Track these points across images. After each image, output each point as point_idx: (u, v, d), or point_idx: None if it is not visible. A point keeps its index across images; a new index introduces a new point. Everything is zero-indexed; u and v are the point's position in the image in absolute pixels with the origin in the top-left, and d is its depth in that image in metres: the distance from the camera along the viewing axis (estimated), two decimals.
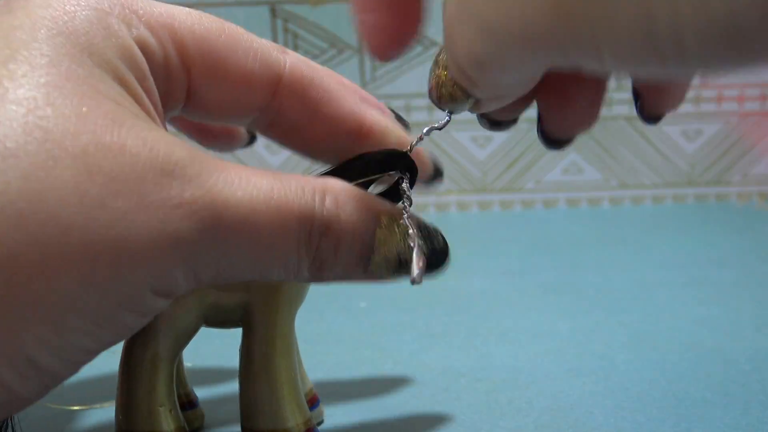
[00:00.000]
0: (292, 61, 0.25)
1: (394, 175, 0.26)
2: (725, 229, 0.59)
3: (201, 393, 0.32)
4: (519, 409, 0.31)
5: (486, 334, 0.39)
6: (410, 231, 0.24)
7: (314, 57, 0.66)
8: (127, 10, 0.22)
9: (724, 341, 0.37)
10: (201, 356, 0.37)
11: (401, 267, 0.24)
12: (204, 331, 0.28)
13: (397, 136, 0.27)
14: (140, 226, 0.20)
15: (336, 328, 0.41)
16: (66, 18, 0.21)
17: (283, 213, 0.22)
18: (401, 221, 0.24)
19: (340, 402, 0.32)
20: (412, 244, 0.23)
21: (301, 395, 0.28)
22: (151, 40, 0.23)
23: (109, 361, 0.35)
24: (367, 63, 0.67)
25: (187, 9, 0.24)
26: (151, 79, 0.23)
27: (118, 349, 0.28)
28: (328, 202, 0.23)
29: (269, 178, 0.22)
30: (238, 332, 0.28)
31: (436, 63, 0.23)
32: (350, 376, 0.35)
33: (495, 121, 0.26)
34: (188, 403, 0.30)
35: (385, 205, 0.24)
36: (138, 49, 0.22)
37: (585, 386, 0.33)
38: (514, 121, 0.26)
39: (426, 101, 0.67)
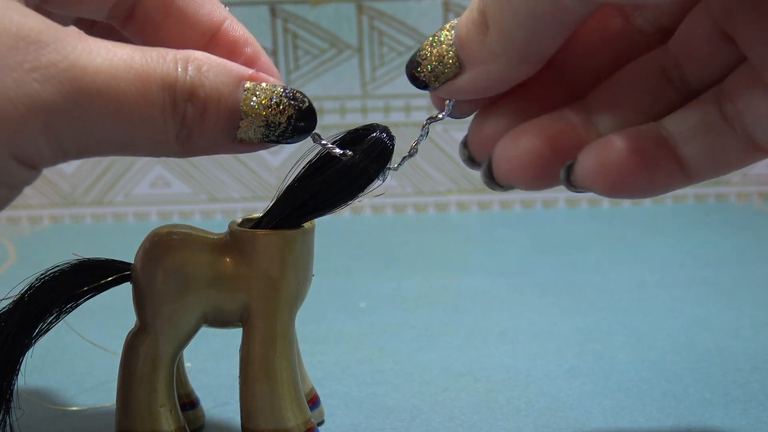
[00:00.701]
0: None
1: (375, 134, 0.26)
2: (725, 229, 0.59)
3: (201, 393, 0.32)
4: (518, 408, 0.31)
5: (486, 334, 0.39)
6: (277, 93, 0.24)
7: (314, 57, 0.66)
8: None
9: (724, 341, 0.37)
10: (201, 356, 0.37)
11: (269, 129, 0.24)
12: (204, 331, 0.28)
13: (254, 48, 0.27)
14: None
15: (336, 328, 0.41)
16: None
17: (144, 79, 0.22)
18: (266, 85, 0.24)
19: (340, 402, 0.32)
20: (281, 106, 0.24)
21: (301, 395, 0.28)
22: None
23: (109, 361, 0.35)
24: (367, 63, 0.67)
25: None
26: None
27: (118, 349, 0.28)
28: (191, 69, 0.23)
29: (129, 48, 0.23)
30: (238, 332, 0.28)
31: (436, 35, 0.24)
32: (350, 376, 0.35)
33: (471, 158, 0.26)
34: (189, 403, 0.30)
35: (248, 70, 0.24)
36: None
37: (584, 386, 0.33)
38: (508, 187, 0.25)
39: (426, 102, 0.67)
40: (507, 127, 0.25)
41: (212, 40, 0.27)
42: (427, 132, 0.27)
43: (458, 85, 0.24)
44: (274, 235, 0.27)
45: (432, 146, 0.68)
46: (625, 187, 0.23)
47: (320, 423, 0.31)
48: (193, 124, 0.23)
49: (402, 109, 0.68)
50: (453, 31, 0.24)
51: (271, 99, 0.24)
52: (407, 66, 0.25)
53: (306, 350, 0.31)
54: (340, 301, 0.45)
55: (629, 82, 0.25)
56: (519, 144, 0.24)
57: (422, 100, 0.67)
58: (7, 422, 0.27)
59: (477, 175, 0.69)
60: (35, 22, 0.21)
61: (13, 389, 0.27)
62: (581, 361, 0.36)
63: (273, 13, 0.66)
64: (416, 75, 0.25)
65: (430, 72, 0.25)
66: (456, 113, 0.26)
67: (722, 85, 0.23)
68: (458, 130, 0.68)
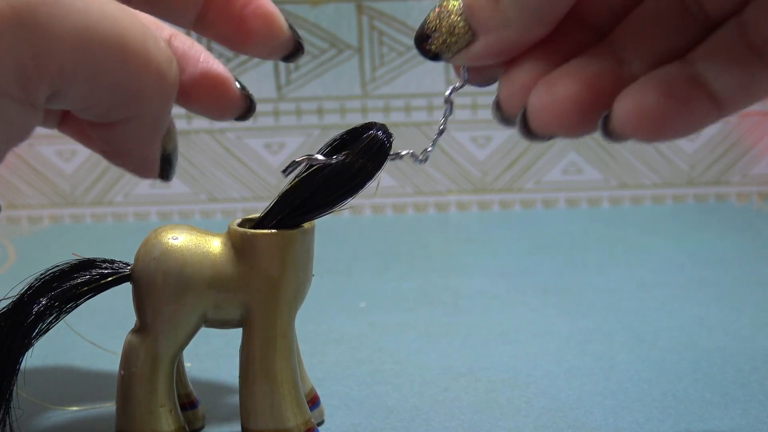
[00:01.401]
0: None
1: (372, 132, 0.26)
2: (725, 229, 0.59)
3: (201, 393, 0.32)
4: (518, 408, 0.31)
5: (486, 334, 0.39)
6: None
7: (314, 57, 0.66)
8: None
9: (724, 341, 0.37)
10: (201, 356, 0.37)
11: (174, 156, 0.26)
12: (204, 331, 0.28)
13: None
14: None
15: (336, 328, 0.41)
16: None
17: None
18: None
19: (340, 402, 0.32)
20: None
21: (301, 395, 0.28)
22: None
23: (109, 361, 0.35)
24: (367, 63, 0.67)
25: None
26: None
27: (118, 349, 0.28)
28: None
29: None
30: (238, 332, 0.28)
31: (443, 4, 0.24)
32: (350, 376, 0.35)
33: (505, 117, 0.26)
34: (189, 403, 0.30)
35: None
36: None
37: (584, 386, 0.33)
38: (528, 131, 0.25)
39: (426, 101, 0.67)
40: (537, 76, 0.24)
41: None
42: (452, 105, 0.27)
43: (472, 53, 0.24)
44: (274, 235, 0.27)
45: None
46: (664, 131, 0.22)
47: (320, 423, 0.31)
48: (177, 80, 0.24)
49: (402, 109, 0.68)
50: (460, 0, 0.24)
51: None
52: (416, 40, 0.25)
53: (306, 350, 0.31)
54: (340, 301, 0.45)
55: (650, 17, 0.24)
56: (556, 91, 0.23)
57: (422, 100, 0.67)
58: (7, 422, 0.27)
59: (477, 175, 0.69)
60: None
61: (12, 389, 0.27)
62: (581, 361, 0.36)
63: None
64: (427, 47, 0.25)
65: (441, 43, 0.24)
66: (477, 80, 0.26)
67: (743, 14, 0.23)
68: (458, 130, 0.68)
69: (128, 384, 0.27)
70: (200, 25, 0.28)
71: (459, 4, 0.24)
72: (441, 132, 0.27)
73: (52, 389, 0.34)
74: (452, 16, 0.24)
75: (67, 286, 0.27)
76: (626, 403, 0.31)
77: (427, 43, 0.25)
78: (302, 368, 0.30)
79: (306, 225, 0.27)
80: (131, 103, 0.23)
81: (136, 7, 0.27)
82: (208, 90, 0.28)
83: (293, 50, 0.29)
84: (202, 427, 0.31)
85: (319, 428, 0.30)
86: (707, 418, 0.30)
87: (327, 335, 0.40)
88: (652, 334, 0.39)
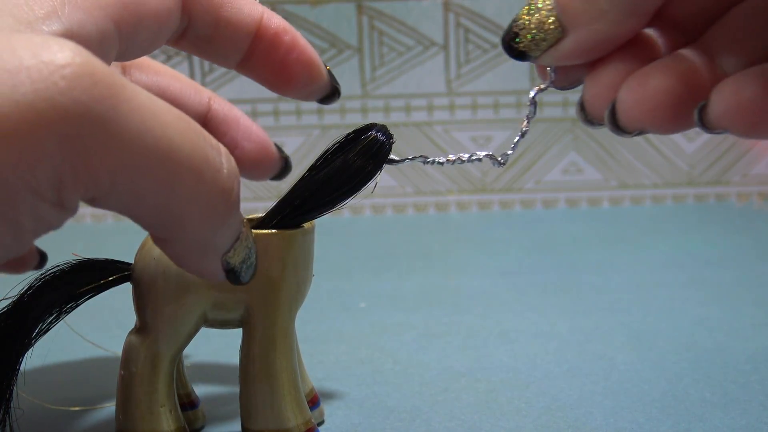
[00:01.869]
0: None
1: (372, 132, 0.26)
2: (725, 229, 0.59)
3: (201, 393, 0.32)
4: (518, 409, 0.31)
5: (486, 334, 0.39)
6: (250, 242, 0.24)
7: None
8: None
9: (724, 341, 0.37)
10: (201, 356, 0.37)
11: (248, 256, 0.24)
12: (204, 331, 0.28)
13: (291, 35, 0.28)
14: (4, 89, 0.17)
15: (336, 328, 0.41)
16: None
17: (186, 121, 0.20)
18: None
19: (340, 402, 0.32)
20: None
21: (301, 395, 0.28)
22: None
23: (109, 362, 0.35)
24: (367, 63, 0.67)
25: None
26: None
27: (118, 349, 0.28)
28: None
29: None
30: (238, 332, 0.28)
31: (533, 2, 0.23)
32: (350, 376, 0.35)
33: (589, 119, 0.25)
34: (189, 403, 0.30)
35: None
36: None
37: (584, 386, 0.33)
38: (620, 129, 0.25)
39: (426, 101, 0.67)
40: (624, 75, 0.24)
41: (256, 37, 0.28)
42: (536, 106, 0.27)
43: (561, 51, 0.24)
44: (274, 235, 0.27)
45: (432, 146, 0.68)
46: (760, 126, 0.22)
47: (320, 423, 0.31)
48: (235, 204, 0.22)
49: (402, 109, 0.68)
50: None
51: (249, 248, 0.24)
52: (503, 38, 0.24)
53: (306, 350, 0.31)
54: (340, 301, 0.45)
55: (749, 16, 0.24)
56: (649, 84, 0.23)
57: (422, 100, 0.67)
58: (7, 422, 0.27)
59: (477, 175, 0.69)
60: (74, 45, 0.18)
61: (13, 389, 0.27)
62: (581, 361, 0.36)
63: None
64: (514, 46, 0.24)
65: (530, 41, 0.24)
66: (561, 82, 0.26)
67: None
68: (458, 130, 0.68)
69: (128, 384, 0.27)
70: (243, 67, 0.28)
71: (550, 0, 0.23)
72: (523, 134, 0.27)
73: (52, 389, 0.34)
74: (542, 12, 0.23)
75: (67, 286, 0.27)
76: (626, 403, 0.31)
77: (514, 41, 0.24)
78: (302, 368, 0.30)
79: (306, 225, 0.27)
80: (174, 227, 0.21)
81: (183, 49, 0.28)
82: (250, 155, 0.30)
83: (330, 94, 0.29)
84: (202, 427, 0.31)
85: (319, 428, 0.30)
86: (707, 418, 0.30)
87: (327, 335, 0.40)
88: (652, 334, 0.39)
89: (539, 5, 0.23)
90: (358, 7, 0.66)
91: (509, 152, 0.27)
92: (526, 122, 0.26)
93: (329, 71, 0.29)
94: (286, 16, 0.66)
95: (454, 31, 0.66)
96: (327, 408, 0.32)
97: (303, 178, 0.27)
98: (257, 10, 0.28)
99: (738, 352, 0.36)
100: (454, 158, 0.28)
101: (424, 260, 0.53)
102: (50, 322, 0.27)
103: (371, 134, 0.26)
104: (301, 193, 0.26)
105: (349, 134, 0.27)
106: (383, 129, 0.27)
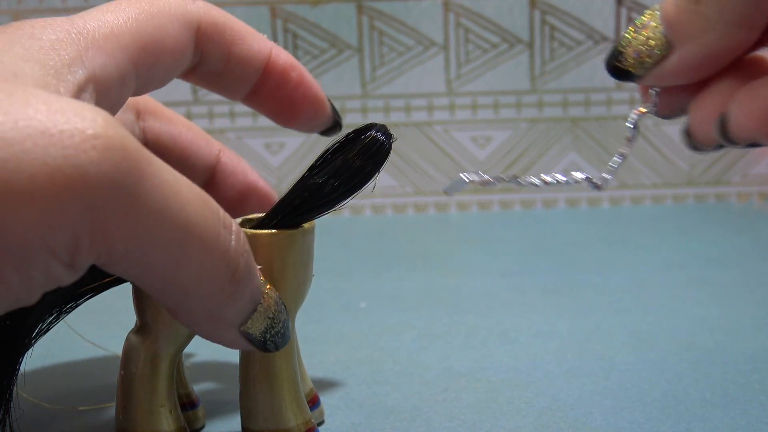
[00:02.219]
0: (204, 9, 0.27)
1: (371, 132, 0.26)
2: (725, 229, 0.59)
3: (201, 393, 0.32)
4: (518, 409, 0.31)
5: (486, 334, 0.39)
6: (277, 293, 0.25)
7: (314, 57, 0.66)
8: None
9: (724, 341, 0.37)
10: (201, 356, 0.37)
11: (271, 325, 0.24)
12: None
13: (298, 71, 0.29)
14: (37, 151, 0.17)
15: (336, 328, 0.41)
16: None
17: (205, 200, 0.21)
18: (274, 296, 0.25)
19: (340, 402, 0.32)
20: (280, 305, 0.25)
21: (301, 395, 0.28)
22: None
23: (109, 362, 0.35)
24: (367, 63, 0.67)
25: None
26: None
27: (118, 349, 0.28)
28: (235, 223, 0.23)
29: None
30: None
31: (637, 21, 0.23)
32: (350, 376, 0.35)
33: (695, 145, 0.25)
34: (189, 403, 0.30)
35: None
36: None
37: (584, 386, 0.33)
38: (718, 146, 0.24)
39: (426, 102, 0.67)
40: (733, 90, 0.23)
41: (264, 72, 0.29)
42: (637, 129, 0.26)
43: (667, 68, 0.23)
44: (274, 235, 0.27)
45: (432, 146, 0.68)
46: None
47: (320, 423, 0.31)
48: (241, 281, 0.22)
49: (402, 109, 0.68)
50: (657, 12, 0.23)
51: (277, 298, 0.25)
52: (607, 59, 0.24)
53: (306, 350, 0.31)
54: (340, 301, 0.45)
55: None
56: (760, 95, 0.22)
57: (422, 100, 0.67)
58: (7, 422, 0.27)
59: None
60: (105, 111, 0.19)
61: (12, 389, 0.27)
62: (581, 361, 0.36)
63: (273, 13, 0.66)
64: (618, 65, 0.24)
65: (635, 59, 0.24)
66: (664, 109, 0.25)
67: None
68: (458, 130, 0.68)
69: (128, 384, 0.27)
70: (250, 100, 0.29)
71: (656, 16, 0.23)
72: (624, 157, 0.26)
73: (52, 389, 0.34)
74: (649, 28, 0.23)
75: (67, 287, 0.27)
76: (626, 403, 0.31)
77: (618, 60, 0.24)
78: (302, 368, 0.30)
79: (306, 225, 0.27)
80: (180, 298, 0.22)
81: (192, 82, 0.29)
82: (252, 206, 0.32)
83: (332, 127, 0.31)
84: (202, 427, 0.31)
85: (319, 428, 0.30)
86: (707, 418, 0.30)
87: (327, 335, 0.40)
88: (652, 334, 0.39)
89: (645, 21, 0.23)
90: (358, 7, 0.66)
91: (608, 176, 0.26)
92: (627, 145, 0.26)
93: (332, 105, 0.31)
94: (286, 16, 0.66)
95: (454, 31, 0.66)
96: (327, 408, 0.32)
97: (303, 178, 0.27)
98: (266, 47, 0.29)
99: (738, 352, 0.36)
100: (549, 179, 0.27)
101: (424, 260, 0.53)
102: (50, 322, 0.27)
103: (371, 134, 0.26)
104: (301, 193, 0.26)
105: (349, 134, 0.27)
106: (383, 129, 0.27)
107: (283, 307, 0.25)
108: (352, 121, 0.67)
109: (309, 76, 0.30)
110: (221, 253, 0.21)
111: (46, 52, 0.22)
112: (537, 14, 0.66)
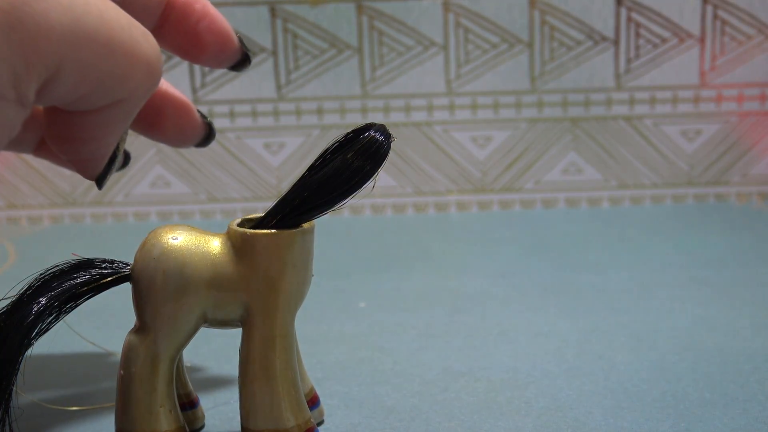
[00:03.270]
0: None
1: (370, 132, 0.26)
2: (725, 229, 0.59)
3: (201, 393, 0.32)
4: (518, 409, 0.31)
5: (486, 334, 0.39)
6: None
7: (314, 57, 0.66)
8: None
9: (724, 341, 0.37)
10: (201, 356, 0.37)
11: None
12: (204, 331, 0.28)
13: (202, 4, 0.29)
14: None
15: (336, 328, 0.41)
16: None
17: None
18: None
19: (340, 402, 0.32)
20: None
21: (301, 395, 0.28)
22: None
23: (109, 361, 0.35)
24: (367, 63, 0.67)
25: None
26: None
27: (118, 349, 0.28)
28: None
29: None
30: (238, 332, 0.28)
31: None
32: (350, 376, 0.35)
33: None
34: (188, 403, 0.30)
35: None
36: None
37: (584, 386, 0.33)
38: None
39: (426, 101, 0.67)
40: None
41: (167, 6, 0.29)
42: None
43: None
44: (274, 235, 0.27)
45: (432, 146, 0.68)
46: None
47: (320, 423, 0.31)
48: None
49: (402, 109, 0.68)
50: None
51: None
52: None
53: (306, 350, 0.31)
54: (340, 301, 0.45)
55: None
56: None
57: (422, 100, 0.67)
58: (7, 422, 0.27)
59: (477, 175, 0.69)
60: None
61: (12, 389, 0.27)
62: (581, 361, 0.36)
63: (273, 13, 0.66)
64: None
65: None
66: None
67: None
68: (458, 130, 0.68)
69: (128, 384, 0.27)
70: (156, 35, 0.29)
71: None
72: None
73: (52, 389, 0.34)
74: None
75: (67, 286, 0.27)
76: (626, 403, 0.31)
77: None
78: (302, 368, 0.30)
79: (306, 225, 0.27)
80: (118, 89, 0.24)
81: None
82: (172, 117, 0.31)
83: (241, 61, 0.31)
84: (202, 427, 0.31)
85: (319, 428, 0.30)
86: (707, 418, 0.30)
87: (327, 335, 0.40)
88: (652, 334, 0.39)
89: None
90: (358, 7, 0.66)
91: None
92: None
93: (240, 39, 0.30)
94: (286, 16, 0.66)
95: (454, 31, 0.66)
96: (327, 408, 0.32)
97: (302, 178, 0.27)
98: None
99: (738, 352, 0.36)
100: None
101: (424, 260, 0.53)
102: (50, 322, 0.27)
103: (369, 134, 0.26)
104: (301, 192, 0.26)
105: (348, 133, 0.27)
106: (382, 128, 0.27)
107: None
108: (352, 121, 0.66)
109: (213, 9, 0.29)
110: (141, 49, 0.24)
111: None
112: (537, 14, 0.66)
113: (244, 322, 0.28)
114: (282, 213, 0.27)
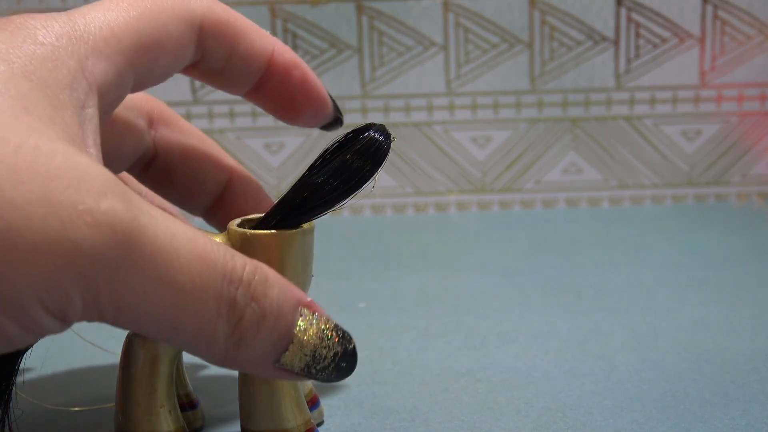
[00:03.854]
0: (207, 5, 0.27)
1: (369, 133, 0.26)
2: (725, 229, 0.59)
3: (201, 393, 0.32)
4: (518, 409, 0.31)
5: (485, 334, 0.39)
6: (328, 327, 0.24)
7: (314, 57, 0.66)
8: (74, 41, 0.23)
9: (724, 341, 0.37)
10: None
11: (314, 361, 0.24)
12: None
13: (302, 71, 0.29)
14: (37, 221, 0.18)
15: None
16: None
17: (206, 261, 0.21)
18: (322, 316, 0.24)
19: (340, 402, 0.32)
20: (330, 341, 0.24)
21: (301, 396, 0.28)
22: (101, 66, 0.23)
23: (109, 361, 0.35)
24: (367, 63, 0.67)
25: None
26: (93, 106, 0.23)
27: (118, 349, 0.28)
28: (258, 275, 0.22)
29: (195, 229, 0.22)
30: None
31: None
32: (350, 377, 0.35)
33: None
34: (188, 403, 0.30)
35: (306, 297, 0.24)
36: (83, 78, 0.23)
37: (584, 386, 0.33)
38: None
39: (426, 101, 0.67)
40: None
41: (267, 71, 0.28)
42: None
43: None
44: (274, 235, 0.27)
45: (432, 146, 0.68)
46: None
47: (320, 424, 0.31)
48: (247, 330, 0.22)
49: (402, 109, 0.68)
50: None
51: (323, 331, 0.24)
52: None
53: None
54: (340, 301, 0.45)
55: None
56: None
57: (422, 100, 0.67)
58: (7, 422, 0.27)
59: (477, 175, 0.69)
60: (106, 172, 0.20)
61: (12, 389, 0.27)
62: (581, 361, 0.36)
63: (273, 13, 0.66)
64: None
65: None
66: None
67: None
68: (458, 130, 0.68)
69: (127, 384, 0.27)
70: (252, 96, 0.29)
71: None
72: None
73: (52, 389, 0.34)
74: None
75: None
76: (626, 403, 0.31)
77: None
78: None
79: (305, 225, 0.27)
80: (188, 349, 0.23)
81: (192, 77, 0.29)
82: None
83: (332, 122, 0.31)
84: (202, 427, 0.31)
85: (319, 428, 0.30)
86: (707, 418, 0.30)
87: None
88: (652, 334, 0.39)
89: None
90: (358, 7, 0.66)
91: None
92: None
93: (334, 102, 0.30)
94: (286, 16, 0.66)
95: (454, 31, 0.66)
96: (326, 408, 0.32)
97: (302, 178, 0.27)
98: (269, 44, 0.28)
99: (738, 352, 0.36)
100: None
101: (424, 260, 0.53)
102: None
103: (369, 134, 0.26)
104: (300, 192, 0.26)
105: (348, 134, 0.27)
106: (381, 129, 0.27)
107: (337, 338, 0.24)
108: (352, 121, 0.66)
109: (312, 75, 0.30)
110: (220, 307, 0.21)
111: (46, 64, 0.22)
112: (537, 14, 0.66)
113: None
114: (282, 213, 0.27)
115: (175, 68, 0.27)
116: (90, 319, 0.20)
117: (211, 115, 0.68)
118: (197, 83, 0.66)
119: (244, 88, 0.29)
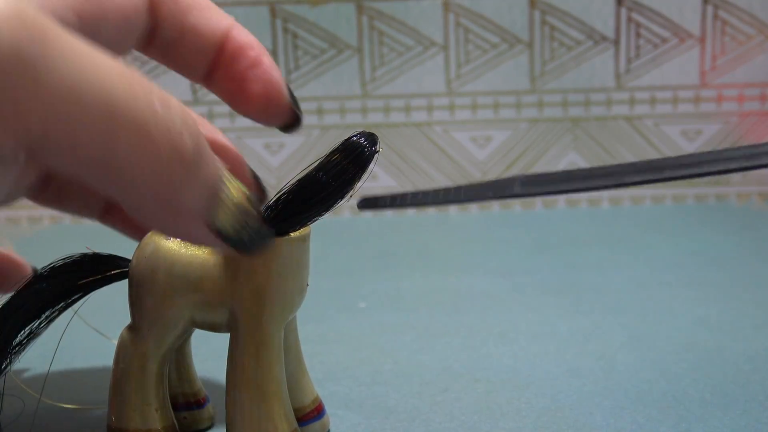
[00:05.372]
0: None
1: (355, 137, 0.25)
2: (725, 229, 0.59)
3: (212, 393, 0.32)
4: (518, 409, 0.31)
5: (485, 334, 0.39)
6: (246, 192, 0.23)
7: (314, 57, 0.66)
8: None
9: (724, 341, 0.37)
10: (201, 356, 0.37)
11: (249, 229, 0.22)
12: (204, 332, 0.28)
13: (258, 52, 0.27)
14: None
15: (336, 328, 0.41)
16: None
17: (132, 77, 0.19)
18: (238, 181, 0.23)
19: (340, 402, 0.32)
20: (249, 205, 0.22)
21: (287, 405, 0.27)
22: None
23: (109, 361, 0.35)
24: (367, 63, 0.67)
25: None
26: None
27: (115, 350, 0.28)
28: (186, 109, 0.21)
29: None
30: None
31: None
32: (350, 376, 0.35)
33: None
34: (195, 402, 0.30)
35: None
36: None
37: (584, 386, 0.33)
38: None
39: (426, 102, 0.67)
40: None
41: (221, 48, 0.27)
42: None
43: None
44: None
45: (432, 146, 0.68)
46: None
47: None
48: (189, 166, 0.20)
49: (402, 109, 0.68)
50: None
51: (240, 188, 0.23)
52: None
53: (306, 351, 0.31)
54: (340, 301, 0.45)
55: None
56: None
57: (422, 100, 0.67)
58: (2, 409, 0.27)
59: (477, 175, 0.69)
60: None
61: (6, 372, 0.27)
62: (581, 361, 0.36)
63: (273, 13, 0.66)
64: None
65: None
66: None
67: None
68: (458, 130, 0.68)
69: (118, 381, 0.27)
70: (208, 80, 0.28)
71: None
72: None
73: (52, 389, 0.34)
74: None
75: (69, 278, 0.28)
76: (626, 403, 0.31)
77: None
78: (305, 379, 0.29)
79: (294, 234, 0.26)
80: (119, 183, 0.20)
81: (152, 57, 0.27)
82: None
83: (291, 122, 0.28)
84: (210, 427, 0.31)
85: None
86: (707, 418, 0.30)
87: (327, 335, 0.40)
88: (652, 334, 0.39)
89: None
90: (358, 7, 0.66)
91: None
92: None
93: (293, 96, 0.28)
94: (286, 16, 0.66)
95: (454, 31, 0.66)
96: (327, 408, 0.31)
97: (287, 185, 0.26)
98: (226, 22, 0.27)
99: (738, 352, 0.36)
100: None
101: (424, 260, 0.53)
102: (54, 313, 0.28)
103: (353, 139, 0.25)
104: (285, 198, 0.26)
105: (336, 146, 0.26)
106: (367, 134, 0.25)
107: (253, 200, 0.23)
108: (352, 121, 0.66)
109: (270, 60, 0.28)
110: (161, 131, 0.19)
111: None
112: (537, 14, 0.66)
113: (231, 327, 0.27)
114: (268, 219, 0.26)
115: (129, 32, 0.25)
116: (21, 144, 0.18)
117: (211, 115, 0.68)
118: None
119: (200, 68, 0.27)
